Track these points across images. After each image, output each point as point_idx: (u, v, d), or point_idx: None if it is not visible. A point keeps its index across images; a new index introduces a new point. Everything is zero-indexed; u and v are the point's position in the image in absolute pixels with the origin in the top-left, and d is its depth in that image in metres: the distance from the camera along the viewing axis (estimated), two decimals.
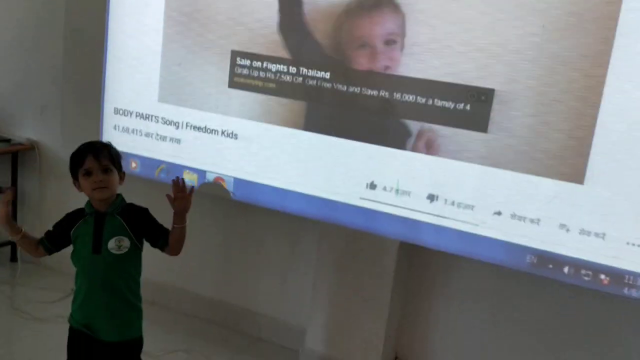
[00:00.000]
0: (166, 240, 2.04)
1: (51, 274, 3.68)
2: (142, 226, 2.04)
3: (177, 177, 2.01)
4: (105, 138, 3.16)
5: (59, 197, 3.58)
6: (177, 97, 2.97)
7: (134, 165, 3.12)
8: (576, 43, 2.18)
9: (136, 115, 3.10)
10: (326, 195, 2.71)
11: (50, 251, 2.10)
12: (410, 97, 2.48)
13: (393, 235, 2.64)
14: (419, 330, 2.93)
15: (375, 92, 2.54)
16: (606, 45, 2.14)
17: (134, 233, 2.02)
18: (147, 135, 3.07)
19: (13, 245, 3.82)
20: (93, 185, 1.97)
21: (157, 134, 3.05)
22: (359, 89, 2.57)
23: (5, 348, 2.93)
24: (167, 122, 3.02)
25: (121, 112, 3.14)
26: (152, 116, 3.06)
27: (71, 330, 2.08)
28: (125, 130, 3.13)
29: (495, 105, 2.33)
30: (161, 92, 3.01)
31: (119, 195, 2.05)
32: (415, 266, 2.88)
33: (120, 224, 2.01)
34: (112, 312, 2.02)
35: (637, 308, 2.43)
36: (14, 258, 3.84)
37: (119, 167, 2.05)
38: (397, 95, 2.50)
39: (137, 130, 3.11)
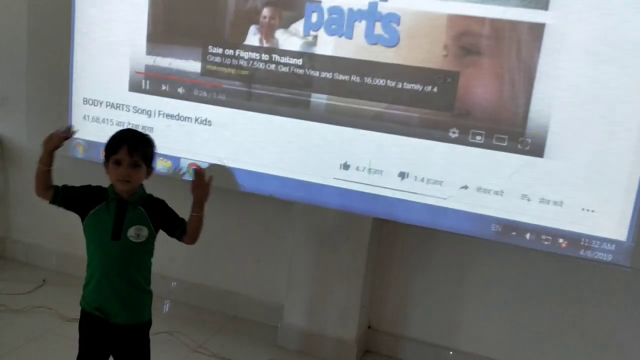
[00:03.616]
0: (183, 229, 2.11)
1: (18, 267, 3.70)
2: (161, 217, 2.11)
3: (199, 167, 2.09)
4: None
5: (23, 188, 3.57)
6: (149, 86, 3.02)
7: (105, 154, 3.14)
8: None
9: (106, 105, 3.12)
10: (301, 177, 2.83)
11: (55, 201, 2.10)
12: (380, 81, 2.62)
13: (367, 213, 2.80)
14: (390, 300, 3.12)
15: (346, 77, 2.67)
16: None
17: (153, 223, 2.08)
18: (119, 124, 3.10)
19: None
20: (118, 177, 2.02)
21: (129, 123, 3.08)
22: (330, 74, 2.70)
23: None
24: (139, 111, 3.06)
25: (91, 102, 3.15)
26: (123, 105, 3.09)
27: (83, 313, 2.13)
28: (96, 119, 3.15)
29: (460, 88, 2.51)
30: (132, 81, 3.05)
31: (141, 185, 2.10)
32: (385, 239, 3.05)
33: (142, 213, 2.06)
34: (125, 297, 2.09)
35: (590, 269, 2.69)
36: None
37: (149, 163, 2.08)
38: (368, 79, 2.64)
39: (107, 120, 3.13)
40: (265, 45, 2.78)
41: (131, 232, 2.05)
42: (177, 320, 3.23)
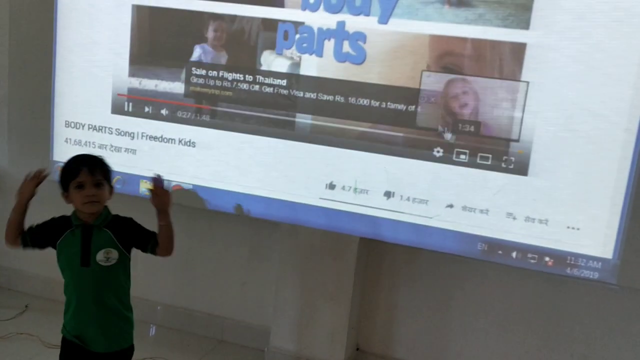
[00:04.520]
0: (155, 242, 2.08)
1: (0, 292, 3.62)
2: (129, 235, 2.07)
3: (156, 174, 2.07)
4: (57, 151, 3.15)
5: (5, 214, 3.50)
6: (132, 108, 3.00)
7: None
8: None
9: (89, 128, 3.09)
10: (287, 197, 2.81)
11: (25, 245, 2.09)
12: (364, 101, 2.62)
13: (353, 232, 2.78)
14: (378, 321, 3.09)
15: (330, 97, 2.67)
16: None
17: (122, 244, 2.05)
18: (101, 146, 3.07)
19: None
20: (85, 200, 1.99)
21: (112, 145, 3.06)
22: (314, 94, 2.70)
23: None
24: (122, 133, 3.04)
25: (73, 124, 3.12)
26: (105, 128, 3.06)
27: (64, 340, 2.09)
28: (78, 142, 3.12)
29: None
30: (114, 104, 3.03)
31: (105, 207, 2.07)
32: (372, 258, 3.03)
33: (108, 236, 2.03)
34: (103, 324, 2.05)
35: (578, 287, 2.68)
36: None
37: (109, 181, 2.07)
38: (352, 100, 2.64)
39: (90, 143, 3.10)
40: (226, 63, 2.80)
41: (100, 256, 2.01)
42: (162, 345, 3.18)
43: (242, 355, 3.18)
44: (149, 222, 2.13)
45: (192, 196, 2.96)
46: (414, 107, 2.56)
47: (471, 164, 2.52)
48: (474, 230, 2.58)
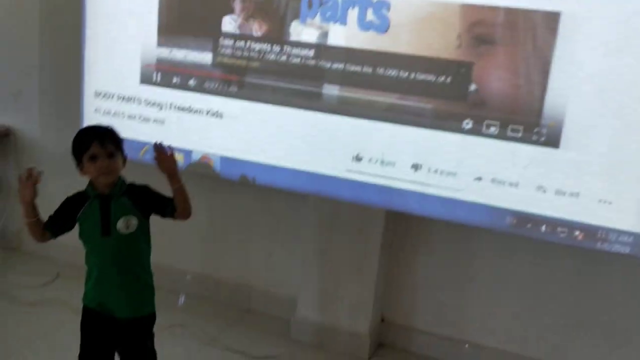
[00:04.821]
0: (173, 207, 2.08)
1: (32, 259, 3.70)
2: (147, 202, 2.09)
3: (156, 142, 2.08)
4: (87, 122, 3.18)
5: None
6: (160, 78, 3.01)
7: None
8: None
9: (118, 98, 3.12)
10: (313, 169, 2.81)
11: (56, 235, 2.12)
12: (393, 72, 2.59)
13: (380, 205, 2.77)
14: (403, 292, 3.10)
15: (358, 68, 2.65)
16: None
17: (140, 210, 2.07)
18: (130, 117, 3.10)
19: None
20: (99, 171, 2.01)
21: (141, 116, 3.08)
22: (342, 64, 2.67)
23: (2, 334, 2.95)
24: (151, 104, 3.05)
25: (102, 95, 3.15)
26: (134, 98, 3.08)
27: (85, 309, 2.14)
28: (107, 113, 3.15)
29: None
30: (143, 74, 3.04)
31: (120, 176, 2.09)
32: (398, 230, 3.02)
33: (126, 203, 2.05)
34: (126, 291, 2.09)
35: (608, 261, 2.64)
36: None
37: (121, 151, 2.09)
38: (380, 70, 2.61)
39: (119, 113, 3.12)
40: (259, 33, 2.77)
41: (120, 224, 2.04)
42: (190, 313, 3.24)
43: (269, 324, 3.22)
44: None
45: (220, 167, 2.97)
46: (443, 78, 2.52)
47: (501, 136, 2.48)
48: (503, 204, 2.54)
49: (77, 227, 2.11)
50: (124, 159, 2.10)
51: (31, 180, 1.99)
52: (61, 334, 2.92)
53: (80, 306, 2.16)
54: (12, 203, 3.70)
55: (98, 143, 2.01)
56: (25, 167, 3.67)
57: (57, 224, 2.10)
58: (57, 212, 2.11)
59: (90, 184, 2.08)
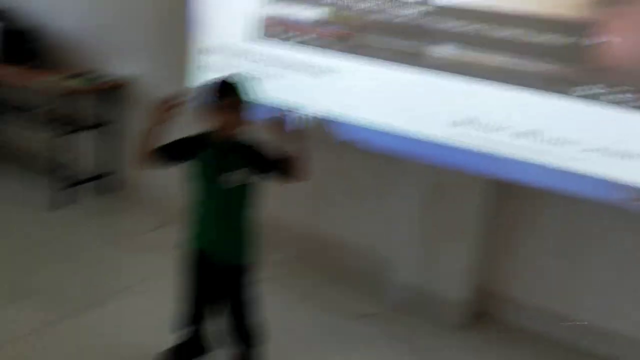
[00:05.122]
0: (286, 167, 2.09)
1: (139, 206, 3.86)
2: (260, 159, 2.11)
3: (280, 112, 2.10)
4: (193, 77, 3.24)
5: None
6: (268, 34, 3.00)
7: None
8: None
9: (226, 53, 3.14)
10: (415, 132, 2.73)
11: (171, 160, 2.12)
12: (507, 33, 2.44)
13: (483, 172, 2.66)
14: (501, 261, 3.00)
15: (470, 28, 2.51)
16: None
17: (255, 165, 2.10)
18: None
19: (99, 180, 4.01)
20: (226, 122, 2.05)
21: (247, 72, 3.07)
22: (452, 24, 2.54)
23: (112, 278, 3.09)
24: (257, 60, 3.05)
25: (210, 50, 3.19)
26: (242, 54, 3.10)
27: (190, 253, 2.22)
28: (215, 68, 3.18)
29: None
30: (250, 30, 3.04)
31: (241, 130, 2.12)
32: (502, 199, 2.90)
33: (243, 156, 2.09)
34: (230, 239, 2.15)
35: None
36: (100, 191, 4.02)
37: (249, 106, 2.10)
38: (494, 30, 2.46)
39: (226, 68, 3.14)
40: None
41: (234, 175, 2.08)
42: (289, 269, 3.29)
43: (365, 285, 3.22)
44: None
45: (325, 126, 2.95)
46: (566, 39, 2.33)
47: (630, 105, 2.28)
48: (627, 178, 2.36)
49: (187, 173, 2.14)
50: (249, 115, 2.11)
51: (177, 105, 2.04)
52: (162, 280, 2.96)
53: (183, 253, 2.23)
54: (127, 151, 3.89)
55: (234, 96, 2.05)
56: (137, 115, 3.85)
57: (176, 150, 2.11)
58: (178, 140, 2.12)
59: (211, 132, 2.10)
